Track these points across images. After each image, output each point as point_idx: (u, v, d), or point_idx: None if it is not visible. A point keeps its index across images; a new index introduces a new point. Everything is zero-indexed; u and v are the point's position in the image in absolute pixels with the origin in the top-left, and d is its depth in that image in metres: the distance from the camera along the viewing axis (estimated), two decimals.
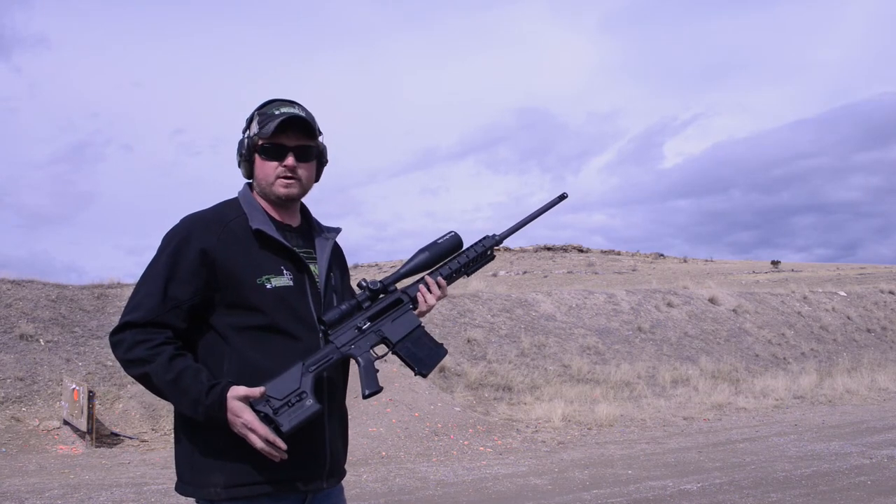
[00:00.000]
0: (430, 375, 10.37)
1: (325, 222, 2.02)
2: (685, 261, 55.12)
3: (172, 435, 1.85)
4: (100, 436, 8.15)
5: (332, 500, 1.88)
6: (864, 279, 29.17)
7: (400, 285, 1.97)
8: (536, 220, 2.09)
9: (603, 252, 58.08)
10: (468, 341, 12.09)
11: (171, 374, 1.64)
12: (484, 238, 2.04)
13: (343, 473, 1.89)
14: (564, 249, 56.35)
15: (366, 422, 8.31)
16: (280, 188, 1.81)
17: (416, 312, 1.94)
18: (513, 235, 2.06)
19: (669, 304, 15.70)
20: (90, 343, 10.35)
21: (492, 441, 8.30)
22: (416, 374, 1.91)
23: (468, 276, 2.04)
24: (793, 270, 41.75)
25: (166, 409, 8.93)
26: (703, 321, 15.45)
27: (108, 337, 1.67)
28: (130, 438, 8.39)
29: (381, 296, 1.90)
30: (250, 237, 1.77)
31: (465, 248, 2.02)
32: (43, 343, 10.02)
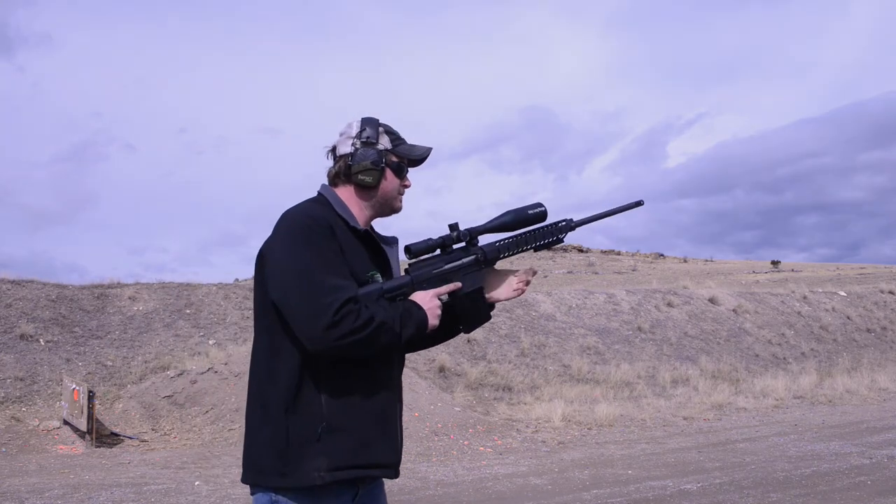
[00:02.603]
0: (430, 375, 10.40)
1: None
2: (685, 261, 55.14)
3: (244, 429, 1.88)
4: (100, 436, 8.15)
5: (377, 492, 1.97)
6: (864, 279, 29.18)
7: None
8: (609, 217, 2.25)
9: (603, 252, 58.09)
10: (468, 341, 12.09)
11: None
12: (561, 221, 2.15)
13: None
14: (564, 249, 56.33)
15: None
16: (398, 202, 2.01)
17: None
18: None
19: (669, 304, 15.70)
20: (90, 343, 10.35)
21: (492, 441, 8.30)
22: (459, 328, 2.04)
23: (535, 251, 2.14)
24: (793, 270, 41.75)
25: (166, 410, 8.94)
26: (703, 321, 15.45)
27: (321, 324, 1.68)
28: (130, 438, 8.39)
29: (462, 245, 2.02)
30: (352, 237, 1.89)
31: (544, 223, 2.12)
32: (43, 343, 10.02)
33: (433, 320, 1.86)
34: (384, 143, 1.96)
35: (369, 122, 1.97)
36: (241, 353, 9.84)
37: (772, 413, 10.49)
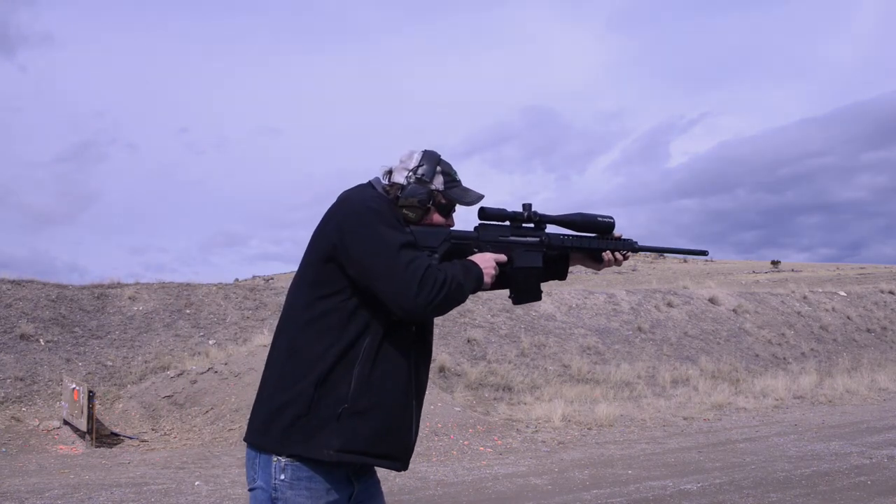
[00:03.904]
0: (430, 375, 10.39)
1: None
2: (685, 261, 55.09)
3: (269, 398, 1.92)
4: (100, 436, 8.15)
5: (374, 488, 2.03)
6: (864, 279, 29.19)
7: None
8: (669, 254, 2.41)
9: None
10: (468, 341, 12.09)
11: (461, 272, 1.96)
12: (625, 240, 2.25)
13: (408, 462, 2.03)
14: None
15: None
16: None
17: (598, 267, 2.23)
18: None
19: (669, 304, 15.70)
20: (90, 343, 10.35)
21: (492, 441, 8.30)
22: (509, 297, 2.17)
23: (592, 258, 2.25)
24: (793, 270, 41.77)
25: (166, 410, 8.94)
26: (703, 321, 15.45)
27: (422, 279, 1.83)
28: (130, 438, 8.39)
29: (530, 226, 2.13)
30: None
31: (609, 237, 2.22)
32: (43, 343, 10.02)
33: (487, 279, 2.00)
34: (437, 183, 2.01)
35: (429, 159, 2.03)
36: (241, 353, 9.84)
37: (772, 413, 10.49)
